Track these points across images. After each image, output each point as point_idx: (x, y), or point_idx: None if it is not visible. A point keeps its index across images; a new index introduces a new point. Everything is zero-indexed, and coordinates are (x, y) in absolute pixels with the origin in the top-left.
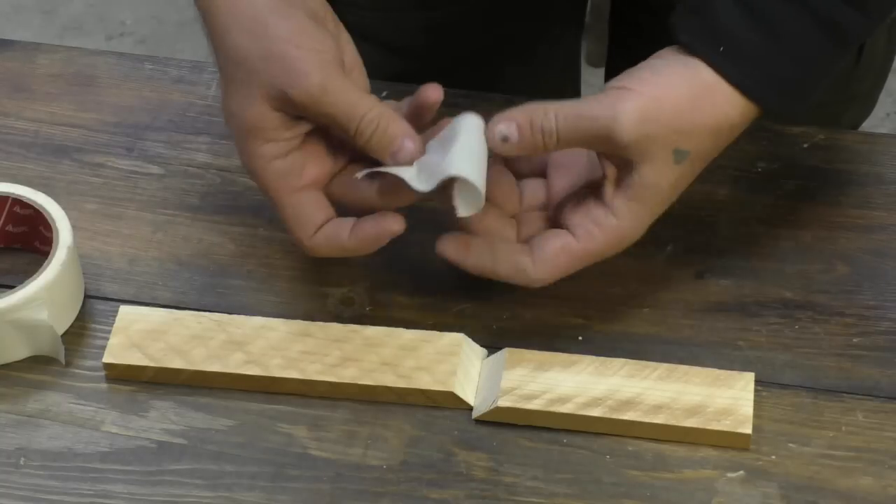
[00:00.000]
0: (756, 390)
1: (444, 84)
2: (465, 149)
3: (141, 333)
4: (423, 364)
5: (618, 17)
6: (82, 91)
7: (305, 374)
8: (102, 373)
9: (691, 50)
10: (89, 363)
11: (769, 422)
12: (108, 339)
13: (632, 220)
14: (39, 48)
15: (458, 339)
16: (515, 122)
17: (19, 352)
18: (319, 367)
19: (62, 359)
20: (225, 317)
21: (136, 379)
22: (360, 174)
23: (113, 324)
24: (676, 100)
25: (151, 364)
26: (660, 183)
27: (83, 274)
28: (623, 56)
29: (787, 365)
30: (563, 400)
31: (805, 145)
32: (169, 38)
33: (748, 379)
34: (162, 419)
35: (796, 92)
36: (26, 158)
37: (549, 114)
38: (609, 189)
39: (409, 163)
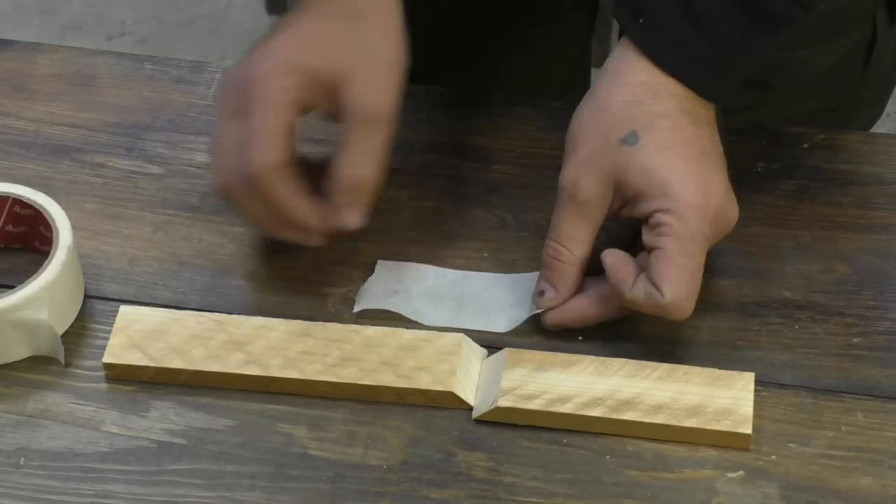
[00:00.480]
0: (756, 390)
1: (452, 79)
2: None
3: (141, 333)
4: (423, 364)
5: None
6: (82, 91)
7: (305, 374)
8: (102, 373)
9: (623, 28)
10: (89, 363)
11: (769, 422)
12: (108, 339)
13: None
14: (39, 48)
15: (458, 339)
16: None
17: (19, 352)
18: (319, 367)
19: (62, 359)
20: (225, 317)
21: (136, 379)
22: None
23: (113, 324)
24: (604, 94)
25: (151, 364)
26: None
27: (83, 274)
28: None
29: (787, 365)
30: (563, 400)
31: (805, 145)
32: (169, 38)
33: (748, 379)
34: (162, 419)
35: (718, 71)
36: (26, 158)
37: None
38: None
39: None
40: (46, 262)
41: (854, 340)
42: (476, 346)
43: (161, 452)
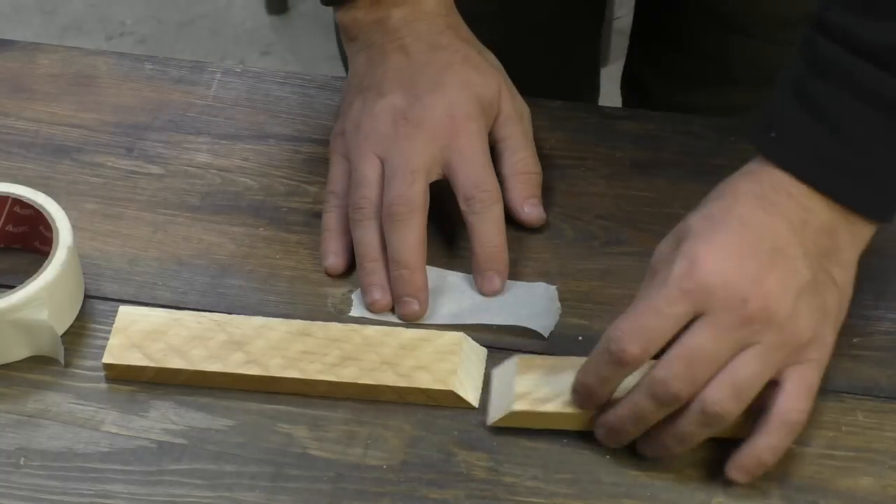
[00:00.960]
0: None
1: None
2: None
3: (141, 334)
4: (423, 363)
5: (639, 17)
6: (82, 91)
7: (305, 374)
8: (102, 373)
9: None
10: (89, 363)
11: None
12: (108, 339)
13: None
14: (39, 48)
15: (458, 338)
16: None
17: (19, 352)
18: (319, 366)
19: (61, 359)
20: (224, 317)
21: (136, 379)
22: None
23: (113, 324)
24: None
25: (151, 364)
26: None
27: (83, 274)
28: (643, 56)
29: None
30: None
31: None
32: (169, 38)
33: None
34: (162, 419)
35: (858, 172)
36: (26, 158)
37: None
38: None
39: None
40: (46, 262)
41: (854, 340)
42: (476, 345)
43: (161, 452)
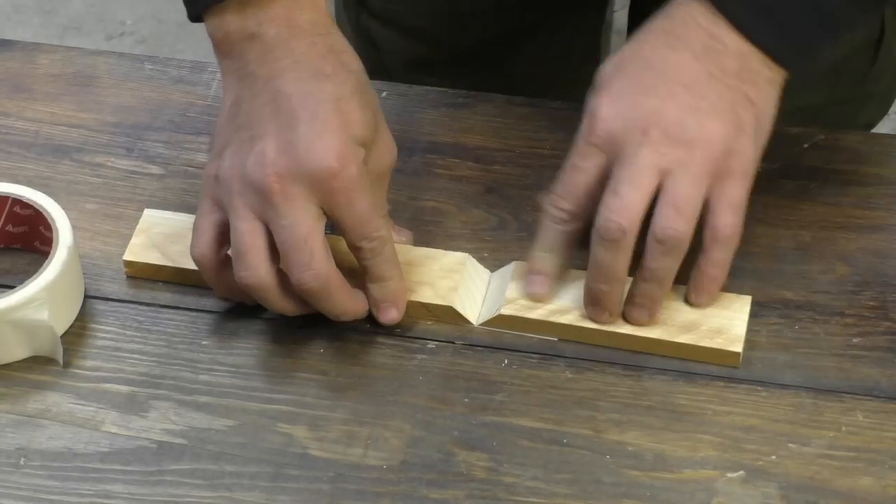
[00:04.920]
0: (756, 390)
1: (462, 70)
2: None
3: (161, 236)
4: (427, 279)
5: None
6: (82, 91)
7: None
8: (102, 373)
9: None
10: (89, 363)
11: (769, 422)
12: (107, 339)
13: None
14: (39, 48)
15: (462, 257)
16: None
17: (19, 352)
18: None
19: (61, 359)
20: None
21: (152, 278)
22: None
23: (112, 323)
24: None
25: (169, 264)
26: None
27: (83, 274)
28: None
29: (787, 365)
30: (563, 311)
31: (805, 145)
32: (169, 38)
33: (745, 301)
34: (162, 419)
35: (766, 10)
36: (26, 158)
37: None
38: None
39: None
40: (46, 262)
41: (854, 340)
42: (480, 266)
43: (161, 452)
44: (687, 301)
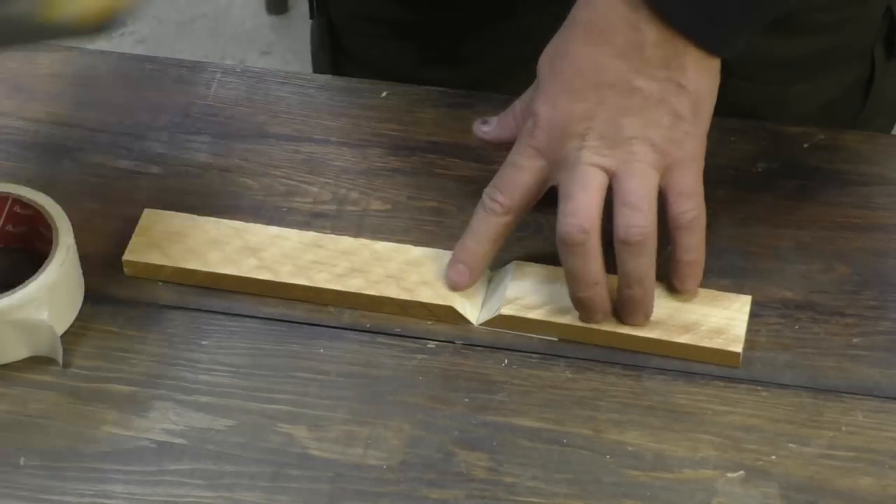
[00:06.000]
0: (756, 390)
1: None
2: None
3: (162, 234)
4: (427, 279)
5: None
6: (82, 91)
7: (313, 282)
8: (102, 373)
9: None
10: (89, 363)
11: (769, 422)
12: (107, 338)
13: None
14: (39, 48)
15: None
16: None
17: (19, 352)
18: (327, 276)
19: (60, 359)
20: (242, 224)
21: (153, 277)
22: None
23: (112, 323)
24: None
25: (169, 264)
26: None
27: (83, 274)
28: None
29: (787, 365)
30: (563, 311)
31: (805, 145)
32: (169, 38)
33: (744, 301)
34: (162, 419)
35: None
36: (26, 158)
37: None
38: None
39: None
40: (46, 262)
41: (854, 340)
42: None
43: (161, 452)
44: (677, 291)
